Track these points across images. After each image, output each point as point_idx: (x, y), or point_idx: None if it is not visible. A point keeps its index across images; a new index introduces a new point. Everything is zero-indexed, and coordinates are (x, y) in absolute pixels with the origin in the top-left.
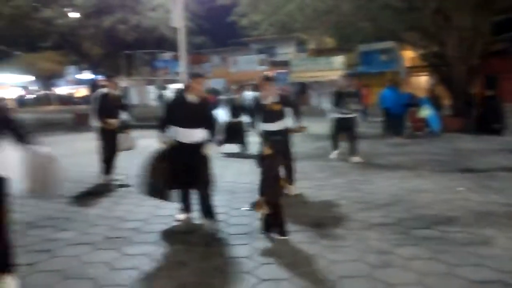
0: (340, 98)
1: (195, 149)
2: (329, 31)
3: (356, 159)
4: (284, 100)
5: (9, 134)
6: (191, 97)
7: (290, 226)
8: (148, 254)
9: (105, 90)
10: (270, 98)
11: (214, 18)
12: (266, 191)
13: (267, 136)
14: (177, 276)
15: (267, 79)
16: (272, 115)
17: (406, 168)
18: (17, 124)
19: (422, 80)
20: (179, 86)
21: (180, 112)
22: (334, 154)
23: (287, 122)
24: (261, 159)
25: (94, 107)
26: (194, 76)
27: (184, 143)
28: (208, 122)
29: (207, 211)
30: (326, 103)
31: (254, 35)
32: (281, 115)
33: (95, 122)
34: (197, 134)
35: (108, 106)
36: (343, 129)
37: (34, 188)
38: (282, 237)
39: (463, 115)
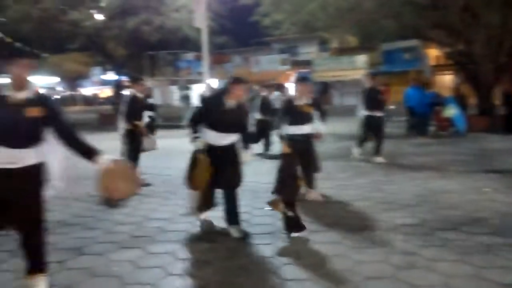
0: (372, 96)
1: (227, 151)
2: (351, 29)
3: (379, 159)
4: (316, 103)
5: (56, 130)
6: (230, 102)
7: (313, 227)
8: (173, 252)
9: (132, 92)
10: (303, 99)
11: (236, 18)
12: (283, 190)
13: (290, 138)
14: (201, 275)
15: (302, 79)
16: (303, 117)
17: (431, 168)
18: (65, 120)
19: (447, 79)
20: (211, 87)
21: (217, 116)
22: (356, 153)
23: (315, 126)
24: (279, 157)
25: (123, 109)
26: (236, 81)
27: (216, 146)
28: (244, 129)
29: (233, 216)
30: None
31: (276, 34)
32: (311, 118)
33: (123, 124)
34: (230, 139)
35: (136, 108)
36: (373, 128)
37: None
38: (298, 234)
39: (490, 114)
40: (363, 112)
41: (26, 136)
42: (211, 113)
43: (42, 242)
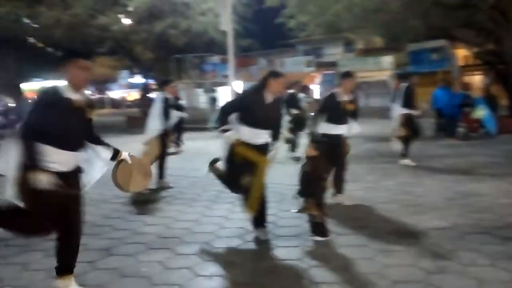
0: (409, 94)
1: (262, 150)
2: (377, 30)
3: (407, 161)
4: (355, 101)
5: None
6: (268, 96)
7: (340, 229)
8: (200, 254)
9: (164, 95)
10: (346, 96)
11: (261, 21)
12: (313, 193)
13: (325, 137)
14: (229, 276)
15: (347, 74)
16: (342, 115)
17: (460, 170)
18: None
19: (476, 79)
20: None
21: (255, 110)
22: (407, 161)
23: (351, 126)
24: (304, 159)
25: (155, 112)
26: (275, 75)
27: (249, 143)
28: (278, 126)
29: (260, 218)
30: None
31: (301, 36)
32: (347, 118)
33: (156, 126)
34: (264, 136)
35: (167, 110)
36: (410, 127)
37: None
38: (324, 238)
39: None
40: (400, 110)
41: (82, 138)
42: (249, 108)
43: (78, 244)
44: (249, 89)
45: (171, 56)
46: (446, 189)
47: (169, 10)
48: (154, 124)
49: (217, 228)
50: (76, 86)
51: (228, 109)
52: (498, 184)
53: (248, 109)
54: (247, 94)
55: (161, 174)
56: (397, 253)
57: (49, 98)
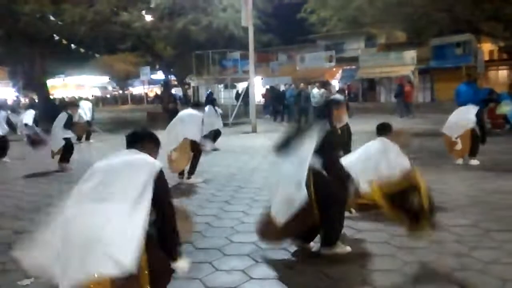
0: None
1: None
2: (400, 24)
3: (475, 161)
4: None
5: None
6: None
7: (361, 226)
8: (220, 248)
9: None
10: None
11: (282, 16)
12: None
13: None
14: (248, 271)
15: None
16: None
17: (485, 168)
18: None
19: (502, 75)
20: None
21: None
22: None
23: None
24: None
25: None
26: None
27: None
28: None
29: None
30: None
31: (322, 31)
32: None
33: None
34: None
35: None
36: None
37: None
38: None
39: None
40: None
41: None
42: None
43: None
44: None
45: (191, 52)
46: (470, 186)
47: (190, 7)
48: (187, 130)
49: (236, 223)
50: None
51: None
52: None
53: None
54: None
55: (192, 171)
56: (418, 250)
57: None
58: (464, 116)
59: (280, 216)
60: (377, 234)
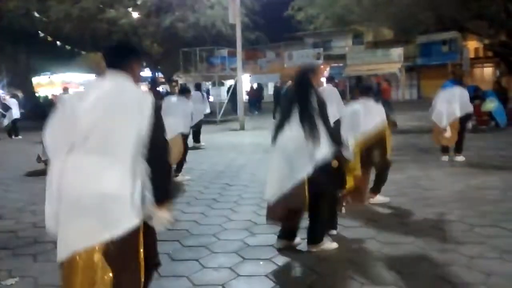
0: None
1: None
2: (387, 22)
3: (460, 158)
4: None
5: None
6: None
7: (348, 222)
8: (208, 246)
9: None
10: None
11: (269, 13)
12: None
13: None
14: (236, 268)
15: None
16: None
17: (470, 164)
18: None
19: (487, 72)
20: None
21: None
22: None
23: None
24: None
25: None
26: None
27: None
28: None
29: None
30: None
31: (310, 29)
32: None
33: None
34: None
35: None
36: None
37: None
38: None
39: None
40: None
41: None
42: None
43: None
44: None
45: (179, 49)
46: (456, 182)
47: (177, 3)
48: (178, 125)
49: (224, 221)
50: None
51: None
52: (507, 177)
53: None
54: None
55: (179, 169)
56: (404, 246)
57: None
58: (451, 105)
59: (271, 195)
60: (363, 230)
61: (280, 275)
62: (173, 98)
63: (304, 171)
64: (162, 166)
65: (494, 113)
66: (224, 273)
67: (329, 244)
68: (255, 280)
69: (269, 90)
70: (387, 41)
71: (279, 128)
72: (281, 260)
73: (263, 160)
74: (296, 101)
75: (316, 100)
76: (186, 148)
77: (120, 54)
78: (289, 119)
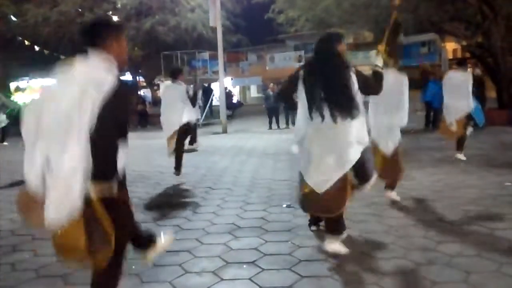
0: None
1: None
2: (367, 25)
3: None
4: None
5: None
6: None
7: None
8: (191, 250)
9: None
10: None
11: (250, 16)
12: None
13: None
14: (219, 272)
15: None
16: None
17: (450, 163)
18: None
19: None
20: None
21: None
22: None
23: None
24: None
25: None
26: None
27: None
28: None
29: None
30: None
31: (291, 31)
32: None
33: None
34: None
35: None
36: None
37: None
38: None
39: (510, 108)
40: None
41: None
42: None
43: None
44: None
45: (160, 52)
46: (436, 181)
47: (158, 7)
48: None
49: (207, 225)
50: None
51: None
52: (486, 176)
53: None
54: None
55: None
56: (386, 246)
57: None
58: (460, 102)
59: (319, 187)
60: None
61: (263, 279)
62: (168, 83)
63: (353, 157)
64: (105, 145)
65: (473, 113)
66: (207, 278)
67: (342, 247)
68: (239, 284)
69: (252, 93)
70: (367, 44)
71: (310, 111)
72: (265, 263)
73: (245, 162)
74: (321, 74)
75: (348, 73)
76: (193, 136)
77: (96, 33)
78: (320, 102)
